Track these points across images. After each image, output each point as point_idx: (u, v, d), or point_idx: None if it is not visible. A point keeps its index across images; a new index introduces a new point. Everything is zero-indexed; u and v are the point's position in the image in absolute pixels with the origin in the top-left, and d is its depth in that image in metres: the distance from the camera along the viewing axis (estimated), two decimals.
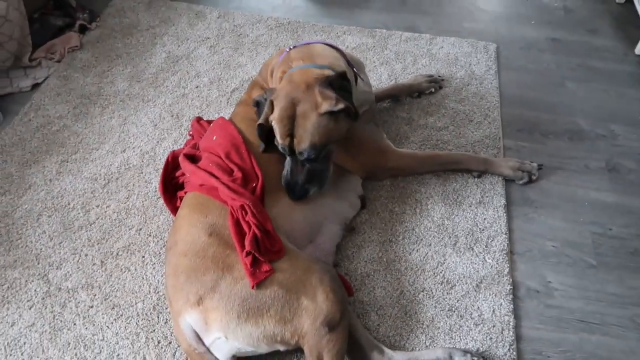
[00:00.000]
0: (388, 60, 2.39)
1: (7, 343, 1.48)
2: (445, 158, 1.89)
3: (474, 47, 2.46)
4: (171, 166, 1.72)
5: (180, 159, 1.65)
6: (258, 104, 1.59)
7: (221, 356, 1.37)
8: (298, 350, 1.38)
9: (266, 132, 1.56)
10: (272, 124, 1.53)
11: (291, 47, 1.69)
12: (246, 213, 1.40)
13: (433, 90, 2.22)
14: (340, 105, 1.48)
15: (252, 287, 1.31)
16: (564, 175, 1.96)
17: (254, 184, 1.51)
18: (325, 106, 1.48)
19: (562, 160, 2.00)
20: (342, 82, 1.53)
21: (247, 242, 1.35)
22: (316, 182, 1.59)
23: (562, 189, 1.91)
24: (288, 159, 1.57)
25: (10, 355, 1.46)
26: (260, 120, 1.53)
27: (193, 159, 1.65)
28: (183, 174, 1.67)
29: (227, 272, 1.35)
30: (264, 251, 1.37)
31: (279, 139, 1.53)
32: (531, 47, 2.51)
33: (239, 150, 1.57)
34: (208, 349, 1.37)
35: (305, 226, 1.60)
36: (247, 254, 1.34)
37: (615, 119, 2.16)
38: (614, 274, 1.68)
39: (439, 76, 2.28)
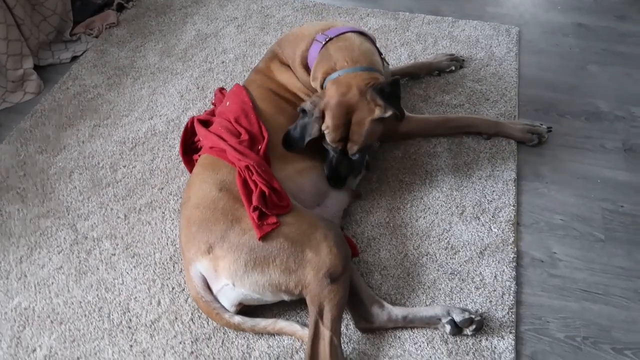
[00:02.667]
0: (409, 41, 2.44)
1: (37, 282, 1.62)
2: (457, 121, 1.93)
3: (496, 30, 2.48)
4: (191, 131, 1.82)
5: (195, 123, 1.75)
6: (304, 112, 1.61)
7: (227, 303, 1.45)
8: (302, 302, 1.45)
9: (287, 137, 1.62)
10: (325, 132, 1.60)
11: (325, 39, 1.68)
12: (252, 173, 1.47)
13: (453, 68, 2.25)
14: (390, 112, 1.58)
15: (259, 239, 1.39)
16: (578, 153, 1.96)
17: (260, 146, 1.58)
18: (377, 113, 1.57)
19: (577, 139, 2.01)
20: (393, 89, 1.60)
21: (254, 198, 1.42)
22: (355, 172, 1.70)
23: (575, 167, 1.91)
24: (332, 154, 1.65)
25: (39, 292, 1.59)
26: (313, 135, 1.58)
27: (206, 124, 1.75)
28: (200, 140, 1.77)
29: (236, 223, 1.43)
30: (271, 206, 1.43)
31: (331, 143, 1.61)
32: (555, 32, 2.50)
33: (247, 115, 1.64)
34: (215, 298, 1.46)
35: (312, 190, 1.65)
36: (255, 209, 1.41)
37: (636, 101, 2.14)
38: (622, 249, 1.68)
39: (461, 56, 2.31)
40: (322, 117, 1.59)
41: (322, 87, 1.66)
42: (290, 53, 1.78)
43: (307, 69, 1.73)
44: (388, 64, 1.87)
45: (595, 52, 2.38)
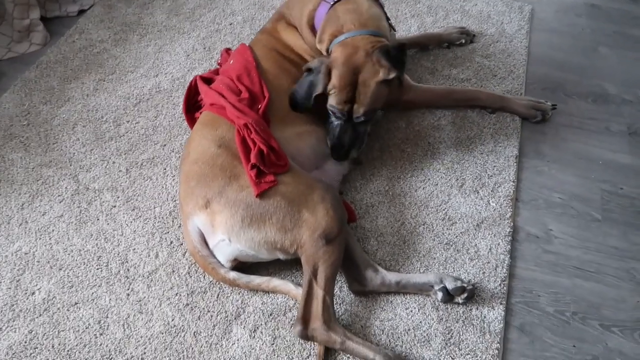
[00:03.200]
0: (419, 12, 2.41)
1: (38, 229, 1.64)
2: (462, 94, 1.93)
3: (509, 6, 2.45)
4: (194, 89, 1.81)
5: (198, 80, 1.74)
6: (309, 70, 1.61)
7: (223, 258, 1.47)
8: (297, 262, 1.47)
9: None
10: (331, 91, 1.59)
11: (334, 0, 1.67)
12: (250, 132, 1.47)
13: (463, 41, 2.22)
14: (393, 74, 1.56)
15: (256, 196, 1.40)
16: (582, 134, 1.96)
17: (259, 105, 1.57)
18: (382, 74, 1.56)
19: (582, 120, 2.00)
20: (399, 53, 1.58)
21: (252, 156, 1.43)
22: (358, 144, 1.67)
23: (577, 147, 1.91)
24: (335, 122, 1.64)
25: (40, 239, 1.61)
26: (319, 90, 1.57)
27: (209, 81, 1.74)
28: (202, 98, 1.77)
29: (234, 180, 1.44)
30: (269, 164, 1.44)
31: (337, 105, 1.59)
32: (568, 11, 2.47)
33: (249, 74, 1.63)
34: (211, 253, 1.48)
35: (311, 154, 1.65)
36: (252, 167, 1.41)
37: None
38: (618, 229, 1.69)
39: (471, 30, 2.29)
40: (328, 74, 1.58)
41: (327, 50, 1.65)
42: (298, 14, 1.77)
43: (313, 29, 1.71)
44: (395, 30, 1.85)
45: (606, 34, 2.36)
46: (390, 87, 1.63)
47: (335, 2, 1.66)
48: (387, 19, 1.75)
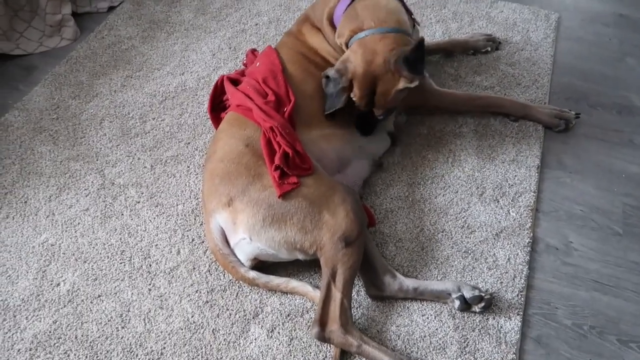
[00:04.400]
0: (445, 18, 2.41)
1: (64, 221, 1.68)
2: (485, 100, 1.93)
3: (535, 14, 2.43)
4: (220, 89, 1.83)
5: (225, 81, 1.77)
6: (328, 79, 1.65)
7: (243, 257, 1.50)
8: (316, 264, 1.49)
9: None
10: (353, 99, 1.64)
11: None
12: (276, 135, 1.49)
13: (489, 49, 2.22)
14: (415, 83, 1.59)
15: (279, 197, 1.42)
16: (605, 146, 1.94)
17: (285, 108, 1.59)
18: (402, 84, 1.59)
19: (606, 132, 1.98)
20: (418, 53, 1.58)
21: (276, 158, 1.45)
22: (381, 122, 1.75)
23: (600, 159, 1.90)
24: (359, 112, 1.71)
25: (66, 231, 1.66)
26: (340, 105, 1.63)
27: (235, 82, 1.76)
28: (228, 98, 1.79)
29: (258, 179, 1.46)
30: (293, 166, 1.46)
31: (359, 108, 1.68)
32: (595, 21, 2.45)
33: (276, 77, 1.65)
34: (232, 251, 1.51)
35: (335, 158, 1.67)
36: (276, 168, 1.43)
37: None
38: (639, 244, 1.68)
39: (497, 37, 2.28)
40: (350, 86, 1.62)
41: (346, 45, 1.67)
42: (320, 13, 1.79)
43: (333, 26, 1.74)
44: (419, 24, 1.85)
45: (634, 45, 2.33)
46: (411, 91, 1.65)
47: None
48: (410, 12, 1.75)
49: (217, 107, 1.83)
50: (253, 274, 1.50)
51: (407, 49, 1.57)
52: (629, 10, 2.51)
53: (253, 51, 1.99)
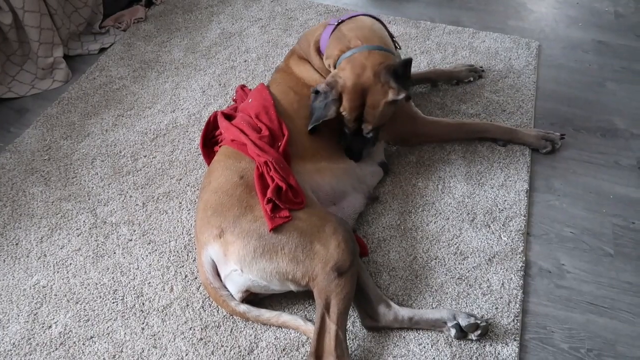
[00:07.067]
0: (429, 49, 2.47)
1: (56, 262, 1.67)
2: (472, 126, 1.96)
3: (516, 43, 2.50)
4: (212, 125, 1.86)
5: (218, 116, 1.80)
6: (317, 93, 1.68)
7: (235, 289, 1.49)
8: (310, 297, 1.48)
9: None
10: (342, 112, 1.67)
11: (337, 21, 1.77)
12: (270, 169, 1.51)
13: (472, 79, 2.28)
14: (402, 95, 1.63)
15: (270, 230, 1.42)
16: (591, 168, 1.97)
17: (279, 143, 1.62)
18: (391, 96, 1.63)
19: (591, 155, 2.02)
20: (405, 69, 1.64)
21: (269, 192, 1.46)
22: (368, 145, 1.77)
23: (587, 181, 1.92)
24: (348, 133, 1.74)
25: (58, 272, 1.64)
26: (329, 116, 1.65)
27: (229, 117, 1.79)
28: (221, 133, 1.82)
29: (249, 210, 1.46)
30: (286, 200, 1.47)
31: (347, 124, 1.70)
32: (575, 48, 2.52)
33: (268, 112, 1.69)
34: (223, 285, 1.50)
35: (329, 191, 1.69)
36: (268, 201, 1.44)
37: None
38: (631, 264, 1.69)
39: (480, 67, 2.34)
40: (339, 99, 1.65)
41: (334, 66, 1.71)
42: (306, 45, 1.85)
43: (319, 53, 1.79)
44: (400, 47, 1.91)
45: (614, 70, 2.39)
46: (398, 104, 1.69)
47: (339, 23, 1.75)
48: (391, 36, 1.82)
49: (209, 142, 1.85)
50: (244, 307, 1.49)
51: (396, 63, 1.63)
52: (606, 37, 2.59)
53: (242, 87, 2.02)
